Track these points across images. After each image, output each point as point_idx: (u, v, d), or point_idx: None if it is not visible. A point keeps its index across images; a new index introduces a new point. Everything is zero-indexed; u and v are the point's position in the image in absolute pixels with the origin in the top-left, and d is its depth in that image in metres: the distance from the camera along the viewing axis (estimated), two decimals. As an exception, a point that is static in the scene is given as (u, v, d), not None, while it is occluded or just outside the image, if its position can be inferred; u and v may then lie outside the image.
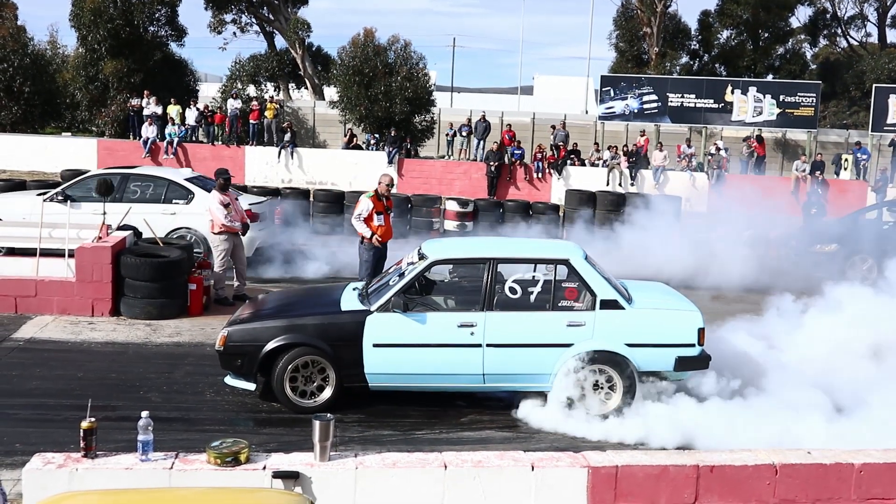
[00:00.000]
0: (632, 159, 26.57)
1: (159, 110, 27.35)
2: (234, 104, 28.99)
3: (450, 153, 29.13)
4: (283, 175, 26.22)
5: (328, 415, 4.89)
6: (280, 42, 37.68)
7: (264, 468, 4.68)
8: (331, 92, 33.78)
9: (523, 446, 6.77)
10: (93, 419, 4.68)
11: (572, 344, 7.65)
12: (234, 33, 38.37)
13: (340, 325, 7.74)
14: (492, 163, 25.68)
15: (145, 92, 28.24)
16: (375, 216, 10.69)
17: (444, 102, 38.51)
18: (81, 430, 4.64)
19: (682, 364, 7.71)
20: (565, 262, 7.86)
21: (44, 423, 7.21)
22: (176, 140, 26.27)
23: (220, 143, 27.91)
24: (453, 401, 7.97)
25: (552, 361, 7.64)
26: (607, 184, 25.77)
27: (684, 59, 40.66)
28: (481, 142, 28.02)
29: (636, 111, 29.29)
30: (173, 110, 27.19)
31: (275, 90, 35.54)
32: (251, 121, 28.23)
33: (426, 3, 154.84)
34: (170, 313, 10.62)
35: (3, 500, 3.03)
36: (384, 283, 8.13)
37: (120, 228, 11.71)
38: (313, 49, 37.65)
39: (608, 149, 27.19)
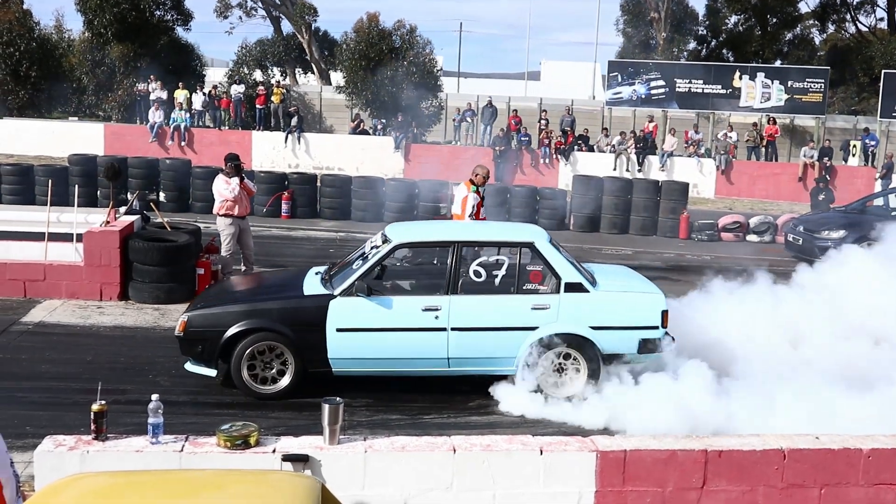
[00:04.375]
0: (640, 145, 26.50)
1: (165, 95, 27.33)
2: (237, 89, 28.96)
3: (456, 138, 29.08)
4: (289, 160, 26.21)
5: (337, 398, 4.90)
6: (286, 27, 37.61)
7: (274, 451, 4.69)
8: (337, 77, 33.73)
9: (531, 431, 6.78)
10: (103, 402, 4.69)
11: (537, 327, 7.65)
12: (241, 17, 38.40)
13: (303, 309, 7.65)
14: (498, 148, 25.63)
15: (151, 76, 28.22)
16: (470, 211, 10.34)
17: (450, 87, 38.41)
18: (92, 413, 4.66)
19: (646, 346, 7.75)
20: (529, 246, 7.87)
21: (54, 407, 7.24)
22: (182, 125, 26.27)
23: (226, 127, 27.90)
24: (460, 386, 7.98)
25: (517, 345, 7.64)
26: (614, 169, 25.71)
27: (692, 45, 40.49)
28: (488, 127, 27.97)
29: (644, 97, 29.21)
30: (180, 95, 27.18)
31: (281, 75, 35.48)
32: (258, 106, 28.24)
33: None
34: (178, 297, 10.63)
35: (15, 481, 3.05)
36: (348, 268, 8.04)
37: (128, 213, 11.73)
38: (320, 34, 37.61)
39: (619, 134, 27.11)
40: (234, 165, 11.26)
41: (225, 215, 11.18)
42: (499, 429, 7.02)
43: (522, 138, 26.57)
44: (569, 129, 27.42)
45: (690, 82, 29.06)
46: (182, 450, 4.63)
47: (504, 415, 7.49)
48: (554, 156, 26.39)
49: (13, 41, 29.86)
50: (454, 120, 29.21)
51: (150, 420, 4.65)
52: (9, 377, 7.88)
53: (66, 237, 11.25)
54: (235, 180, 10.98)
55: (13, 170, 18.03)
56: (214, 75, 36.08)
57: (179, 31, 33.52)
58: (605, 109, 30.56)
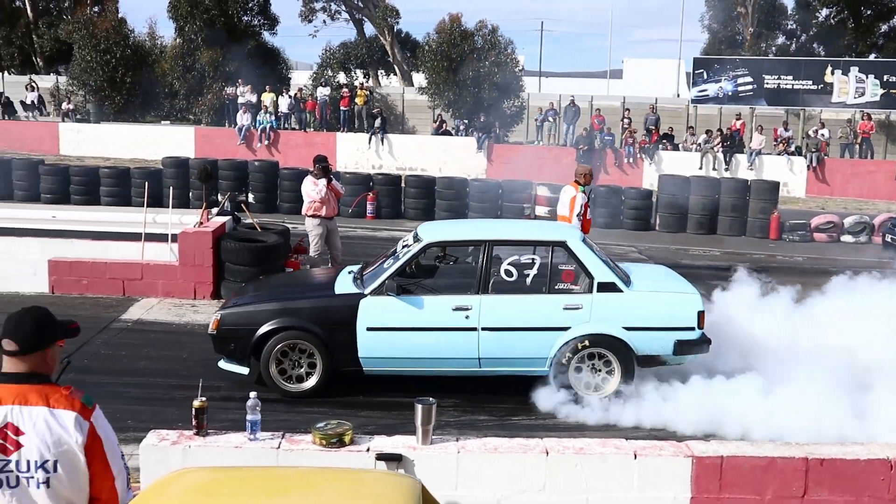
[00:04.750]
0: (727, 143, 25.93)
1: (253, 98, 27.96)
2: (323, 91, 29.44)
3: (539, 138, 28.95)
4: (373, 161, 26.49)
5: (430, 399, 4.93)
6: (369, 29, 38.02)
7: (368, 450, 4.75)
8: (419, 78, 33.96)
9: (622, 434, 6.70)
10: (204, 399, 4.83)
11: (569, 327, 7.52)
12: (325, 21, 38.89)
13: (334, 308, 7.66)
14: (581, 147, 25.42)
15: (240, 80, 28.91)
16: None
17: (532, 87, 38.25)
18: (193, 409, 4.80)
19: (682, 348, 7.58)
20: (562, 245, 7.75)
21: (153, 402, 7.48)
22: (269, 127, 26.81)
23: (311, 129, 28.37)
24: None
25: (549, 345, 7.52)
26: (700, 168, 25.22)
27: (780, 40, 39.46)
28: (570, 126, 27.76)
29: (730, 94, 28.57)
30: (267, 98, 27.77)
31: (364, 77, 35.90)
32: (342, 107, 28.64)
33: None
34: (268, 297, 10.83)
35: (126, 474, 3.17)
36: (379, 267, 8.02)
37: (220, 214, 12.03)
38: (402, 35, 37.90)
39: (705, 132, 26.58)
40: (323, 167, 11.43)
41: (313, 216, 11.36)
42: (588, 432, 6.96)
43: (606, 138, 26.29)
44: (653, 127, 27.02)
45: (779, 78, 28.28)
46: (279, 447, 4.73)
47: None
48: (638, 155, 26.03)
49: (110, 49, 30.92)
50: (536, 120, 29.09)
51: (249, 417, 4.77)
52: (110, 373, 8.16)
53: (161, 237, 11.61)
54: (323, 182, 11.14)
55: (110, 172, 18.67)
56: (299, 78, 36.73)
57: (266, 35, 34.29)
58: (690, 107, 30.01)
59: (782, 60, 31.92)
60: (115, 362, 8.50)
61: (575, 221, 10.19)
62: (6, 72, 37.90)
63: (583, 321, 7.51)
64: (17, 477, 3.00)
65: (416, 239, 7.98)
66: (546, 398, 7.46)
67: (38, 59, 38.72)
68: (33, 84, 32.14)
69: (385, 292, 7.54)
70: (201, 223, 11.39)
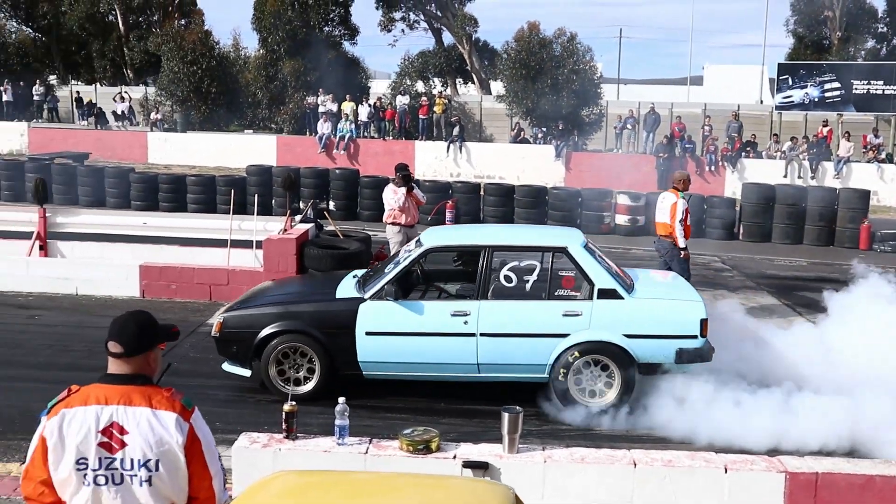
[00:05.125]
0: (812, 150, 25.25)
1: (334, 107, 28.39)
2: (402, 100, 29.71)
3: (618, 146, 28.66)
4: (451, 169, 26.60)
5: (517, 407, 4.93)
6: (447, 38, 38.25)
7: (454, 457, 4.77)
8: (497, 86, 33.98)
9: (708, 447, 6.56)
10: (294, 403, 4.92)
11: (568, 334, 7.43)
12: (403, 30, 39.32)
13: (334, 312, 7.67)
14: (661, 155, 25.06)
15: (320, 90, 29.39)
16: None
17: (610, 94, 37.94)
18: (284, 413, 4.89)
19: (684, 356, 7.43)
20: (563, 251, 7.65)
21: (239, 405, 7.64)
22: (348, 136, 27.17)
23: (390, 138, 28.64)
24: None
25: (548, 352, 7.44)
26: (785, 176, 24.61)
27: (870, 44, 38.18)
28: (650, 134, 27.41)
29: (816, 100, 27.76)
30: (347, 107, 28.16)
31: (442, 85, 36.11)
32: (420, 116, 28.86)
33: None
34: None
35: (223, 474, 3.24)
36: (381, 271, 8.02)
37: (303, 221, 12.24)
38: (480, 44, 38.01)
39: (790, 139, 25.93)
40: (403, 175, 11.53)
41: (393, 223, 11.47)
42: (671, 444, 6.83)
43: (686, 145, 25.85)
44: (736, 135, 26.46)
45: (869, 83, 27.38)
46: (366, 452, 4.79)
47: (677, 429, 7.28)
48: (720, 163, 25.54)
49: (196, 60, 31.79)
50: (615, 127, 28.81)
51: (337, 422, 4.83)
52: (199, 375, 8.36)
53: (246, 244, 11.88)
54: (402, 190, 11.24)
55: (196, 180, 19.18)
56: (378, 87, 37.15)
57: (346, 45, 34.78)
58: (774, 114, 29.30)
59: (873, 65, 30.90)
60: (203, 365, 8.70)
61: (678, 228, 10.07)
62: (99, 83, 39.32)
63: (582, 328, 7.43)
64: (122, 474, 3.08)
65: (419, 244, 8.02)
66: (624, 412, 7.38)
67: (129, 71, 40.03)
68: (124, 95, 33.29)
69: (384, 297, 7.55)
70: (285, 230, 11.60)
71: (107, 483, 3.07)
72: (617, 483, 4.77)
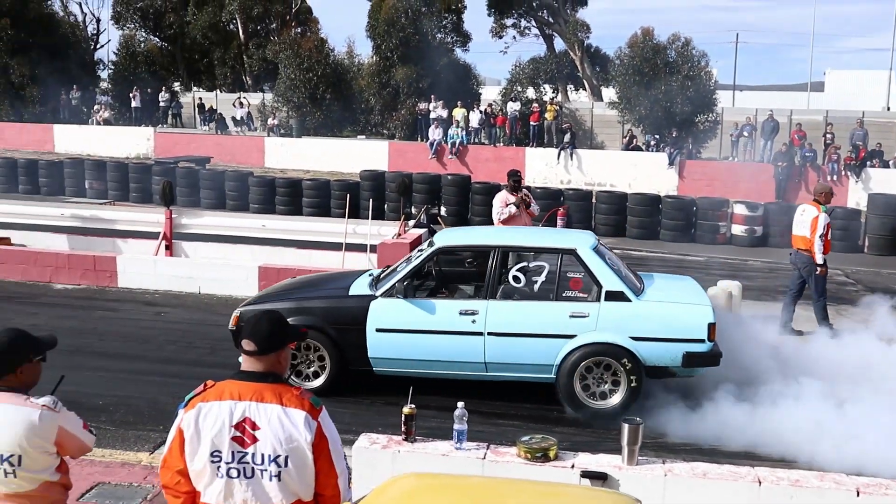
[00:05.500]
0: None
1: (444, 113, 28.62)
2: (513, 106, 29.72)
3: (734, 154, 27.89)
4: (562, 176, 26.41)
5: (637, 418, 4.85)
6: (559, 44, 38.07)
7: (572, 466, 4.73)
8: (609, 93, 33.60)
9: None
10: (413, 406, 4.97)
11: (575, 335, 7.45)
12: (514, 37, 39.34)
13: (346, 308, 7.80)
14: (780, 164, 24.25)
15: (432, 96, 29.70)
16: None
17: (726, 101, 36.98)
18: (403, 416, 4.95)
19: (691, 360, 7.41)
20: (572, 252, 7.70)
21: (356, 405, 7.76)
22: (458, 142, 27.35)
23: (501, 144, 28.67)
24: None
25: (554, 352, 7.47)
26: (915, 187, 23.43)
27: None
28: (768, 142, 26.56)
29: (950, 107, 26.35)
30: (458, 113, 28.34)
31: (553, 92, 35.93)
32: (531, 122, 28.79)
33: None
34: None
35: (348, 473, 3.30)
36: (394, 270, 8.11)
37: (416, 226, 12.38)
38: (591, 50, 37.66)
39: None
40: (515, 181, 11.52)
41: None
42: (795, 464, 6.58)
43: (806, 154, 24.92)
44: (860, 143, 25.36)
45: None
46: (484, 457, 4.80)
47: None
48: (843, 173, 24.51)
49: (312, 67, 32.61)
50: (731, 135, 28.05)
51: (456, 426, 4.86)
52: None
53: (360, 247, 12.09)
54: (512, 208, 11.27)
55: (312, 184, 19.68)
56: (489, 93, 37.26)
57: (458, 52, 35.05)
58: (904, 121, 28.00)
59: None
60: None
61: (817, 242, 9.81)
62: (219, 90, 40.81)
63: (589, 329, 7.45)
64: (253, 468, 3.17)
65: (430, 244, 8.14)
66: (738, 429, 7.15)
67: (248, 78, 41.39)
68: (242, 101, 34.44)
69: (395, 295, 7.69)
70: (399, 234, 11.76)
71: (238, 476, 3.17)
72: (740, 501, 4.63)
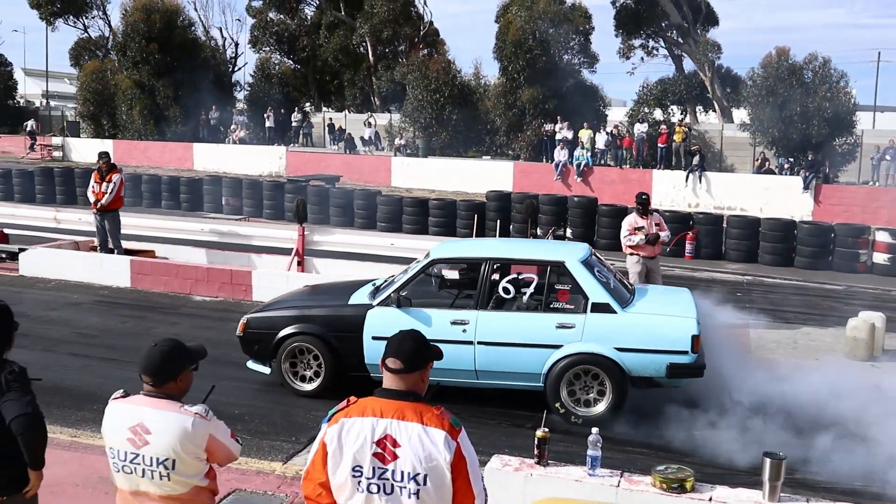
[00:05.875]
0: None
1: (570, 135, 28.48)
2: (640, 128, 29.30)
3: (875, 179, 26.61)
4: (690, 199, 25.83)
5: (780, 453, 4.66)
6: (688, 65, 37.33)
7: (710, 500, 4.59)
8: (740, 114, 32.68)
9: None
10: (547, 429, 4.94)
11: (561, 345, 7.71)
12: (642, 58, 38.86)
13: (344, 317, 8.21)
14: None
15: (558, 117, 29.61)
16: None
17: (866, 123, 35.35)
18: (536, 439, 4.92)
19: (675, 371, 7.62)
20: (560, 265, 8.01)
21: (483, 426, 7.75)
22: (584, 163, 27.14)
23: (627, 166, 28.29)
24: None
25: (541, 362, 7.76)
26: None
27: None
28: (913, 166, 25.25)
29: None
30: (584, 135, 28.16)
31: (681, 113, 35.24)
32: (659, 144, 28.31)
33: (845, 16, 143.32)
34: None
35: (485, 494, 3.29)
36: (392, 280, 8.47)
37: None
38: (722, 70, 36.75)
39: None
40: (643, 204, 11.37)
41: (632, 253, 11.33)
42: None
43: (957, 179, 23.58)
44: None
45: None
46: (618, 485, 4.71)
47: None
48: None
49: (439, 88, 33.12)
50: (872, 158, 26.80)
51: (590, 452, 4.79)
52: (436, 398, 8.57)
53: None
54: (641, 238, 11.13)
55: (438, 203, 19.89)
56: (615, 115, 36.88)
57: (585, 73, 34.84)
58: None
59: None
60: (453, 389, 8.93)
61: None
62: (348, 110, 41.93)
63: (575, 340, 7.71)
64: (392, 485, 3.20)
65: (427, 255, 8.53)
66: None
67: (376, 99, 42.36)
68: (370, 121, 35.26)
69: (390, 304, 8.04)
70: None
71: (378, 492, 3.21)
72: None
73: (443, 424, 3.23)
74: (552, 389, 7.76)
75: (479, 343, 7.87)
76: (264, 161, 32.29)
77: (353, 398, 3.36)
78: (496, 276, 8.25)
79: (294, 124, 37.18)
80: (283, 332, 8.35)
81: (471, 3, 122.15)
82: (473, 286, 8.31)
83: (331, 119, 38.28)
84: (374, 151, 33.66)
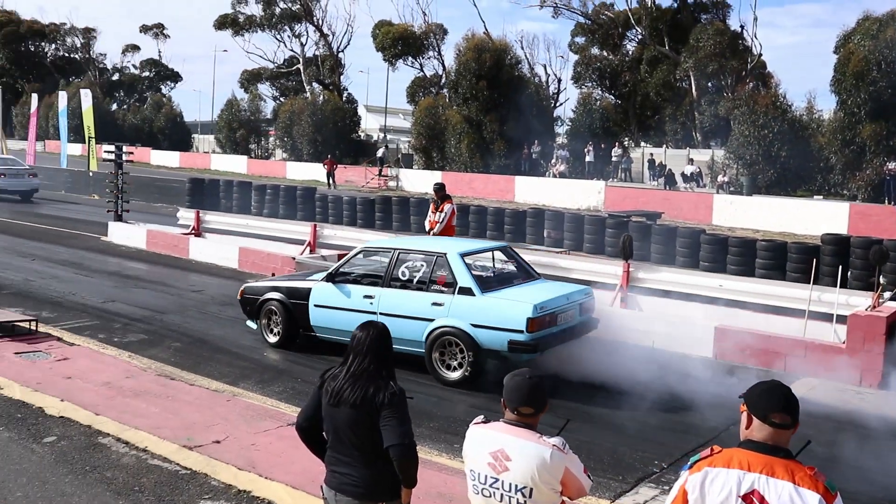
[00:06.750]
0: None
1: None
2: None
3: None
4: None
5: None
6: None
7: None
8: None
9: None
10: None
11: (434, 319, 9.68)
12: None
13: (299, 289, 10.93)
14: None
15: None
16: None
17: None
18: None
19: (514, 347, 9.24)
20: (443, 256, 9.96)
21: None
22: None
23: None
24: None
25: (422, 331, 9.75)
26: None
27: None
28: None
29: None
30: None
31: None
32: None
33: None
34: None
35: None
36: (338, 265, 11.05)
37: (893, 298, 11.28)
38: None
39: None
40: None
41: None
42: None
43: None
44: None
45: None
46: None
47: None
48: None
49: (767, 123, 31.68)
50: None
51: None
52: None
53: (825, 316, 11.30)
54: None
55: (766, 245, 18.87)
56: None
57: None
58: None
59: None
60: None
61: None
62: (667, 145, 41.34)
63: (443, 315, 9.65)
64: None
65: (357, 246, 11.50)
66: None
67: (697, 134, 41.40)
68: (692, 157, 34.46)
69: (327, 281, 10.63)
70: (873, 307, 10.79)
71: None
72: None
73: (817, 487, 3.09)
74: (428, 354, 9.73)
75: (381, 314, 9.81)
76: (582, 195, 32.68)
77: (716, 447, 3.31)
78: (398, 262, 10.31)
79: (614, 159, 37.34)
80: (262, 298, 11.22)
81: (802, 33, 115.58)
82: (383, 269, 10.48)
83: (651, 154, 37.95)
84: (694, 188, 32.83)
